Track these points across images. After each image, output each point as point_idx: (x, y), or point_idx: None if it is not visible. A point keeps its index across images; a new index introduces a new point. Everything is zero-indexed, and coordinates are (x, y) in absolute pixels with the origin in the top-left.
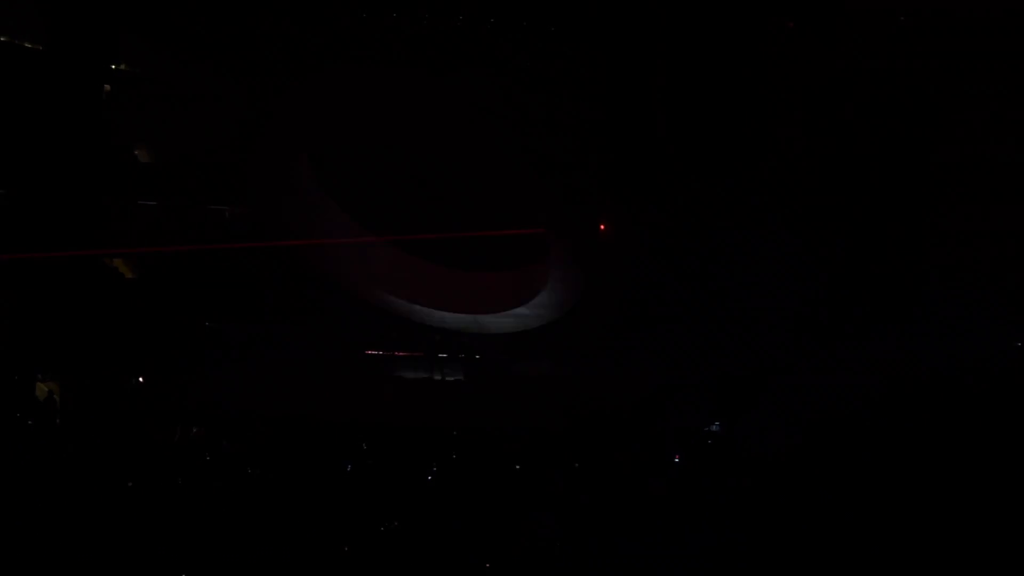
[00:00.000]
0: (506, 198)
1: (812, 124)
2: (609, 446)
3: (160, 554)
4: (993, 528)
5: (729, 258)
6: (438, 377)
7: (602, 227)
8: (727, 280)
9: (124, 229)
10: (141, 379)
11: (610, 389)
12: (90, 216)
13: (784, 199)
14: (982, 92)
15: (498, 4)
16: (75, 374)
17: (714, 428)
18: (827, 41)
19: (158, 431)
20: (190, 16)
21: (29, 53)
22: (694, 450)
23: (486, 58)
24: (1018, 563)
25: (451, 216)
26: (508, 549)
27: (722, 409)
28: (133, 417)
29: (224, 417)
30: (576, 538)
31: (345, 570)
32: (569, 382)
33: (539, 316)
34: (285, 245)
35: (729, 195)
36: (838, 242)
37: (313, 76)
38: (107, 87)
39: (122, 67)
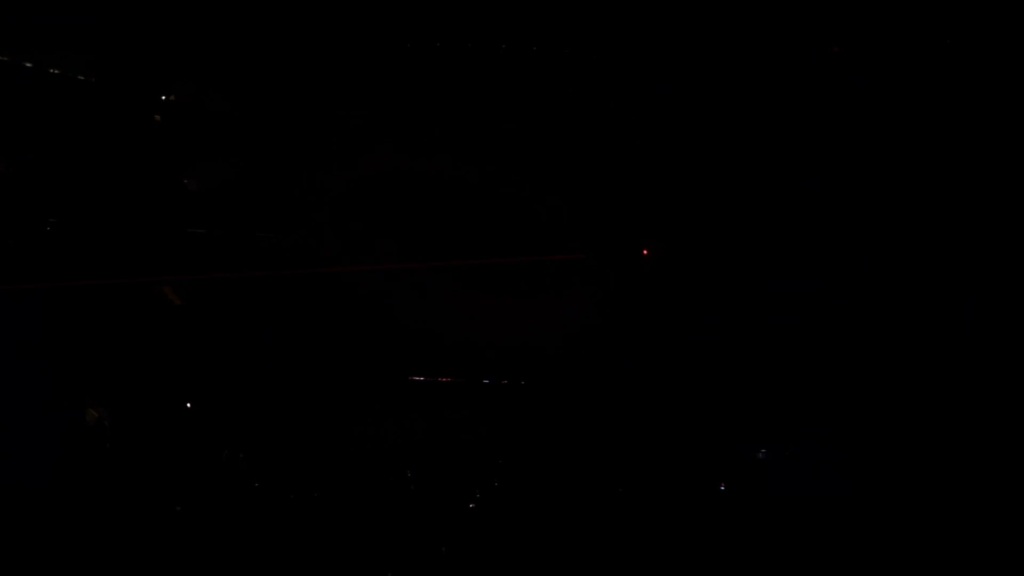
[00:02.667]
0: (547, 222)
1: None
2: (653, 469)
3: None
4: None
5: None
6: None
7: (645, 252)
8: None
9: (173, 257)
10: (189, 404)
11: (655, 410)
12: (140, 244)
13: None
14: None
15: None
16: (124, 400)
17: (760, 456)
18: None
19: (206, 456)
20: (238, 49)
21: (81, 86)
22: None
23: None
24: None
25: (493, 241)
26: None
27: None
28: (182, 442)
29: (269, 442)
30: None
31: None
32: (614, 404)
33: (581, 339)
34: (331, 272)
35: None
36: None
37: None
38: (157, 117)
39: (171, 98)
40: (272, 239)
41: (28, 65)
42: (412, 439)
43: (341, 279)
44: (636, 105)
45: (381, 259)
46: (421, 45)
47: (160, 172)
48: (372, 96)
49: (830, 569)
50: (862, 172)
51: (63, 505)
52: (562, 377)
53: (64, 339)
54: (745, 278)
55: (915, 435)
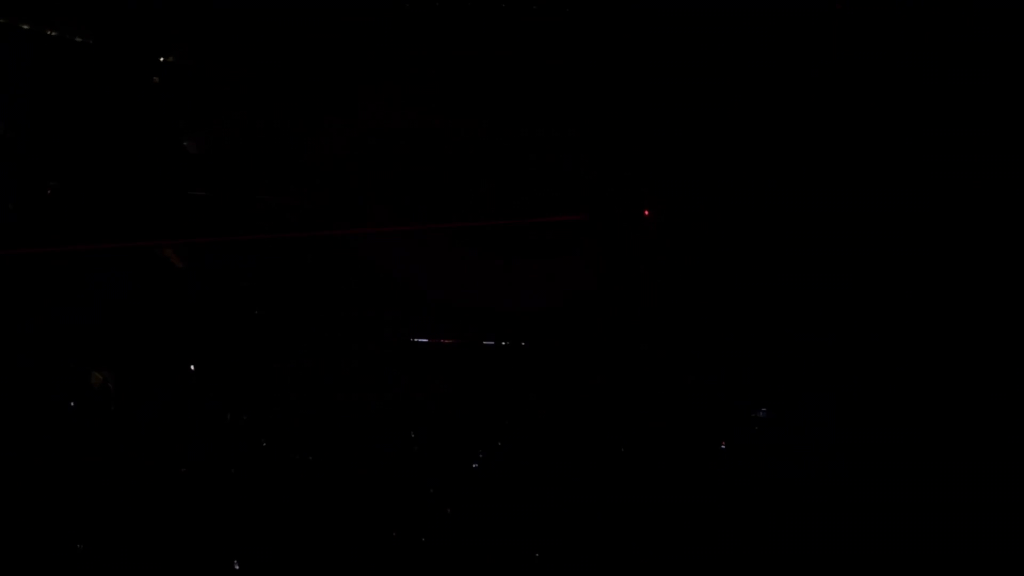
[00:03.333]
0: (547, 183)
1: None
2: (651, 431)
3: (210, 536)
4: None
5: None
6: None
7: (646, 212)
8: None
9: (174, 219)
10: (192, 367)
11: (653, 371)
12: (141, 207)
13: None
14: None
15: None
16: (128, 363)
17: (761, 414)
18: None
19: (210, 417)
20: (237, 9)
21: (79, 47)
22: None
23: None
24: None
25: (492, 202)
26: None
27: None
28: (185, 404)
29: (273, 404)
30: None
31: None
32: (612, 366)
33: (581, 302)
34: (334, 234)
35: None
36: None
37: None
38: (156, 79)
39: (170, 59)
40: (274, 201)
41: (25, 27)
42: (415, 401)
43: (342, 241)
44: (638, 59)
45: (381, 221)
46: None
47: (159, 134)
48: (371, 45)
49: (829, 526)
50: (869, 124)
51: (68, 469)
52: (563, 339)
53: (66, 303)
54: (749, 238)
55: (918, 392)
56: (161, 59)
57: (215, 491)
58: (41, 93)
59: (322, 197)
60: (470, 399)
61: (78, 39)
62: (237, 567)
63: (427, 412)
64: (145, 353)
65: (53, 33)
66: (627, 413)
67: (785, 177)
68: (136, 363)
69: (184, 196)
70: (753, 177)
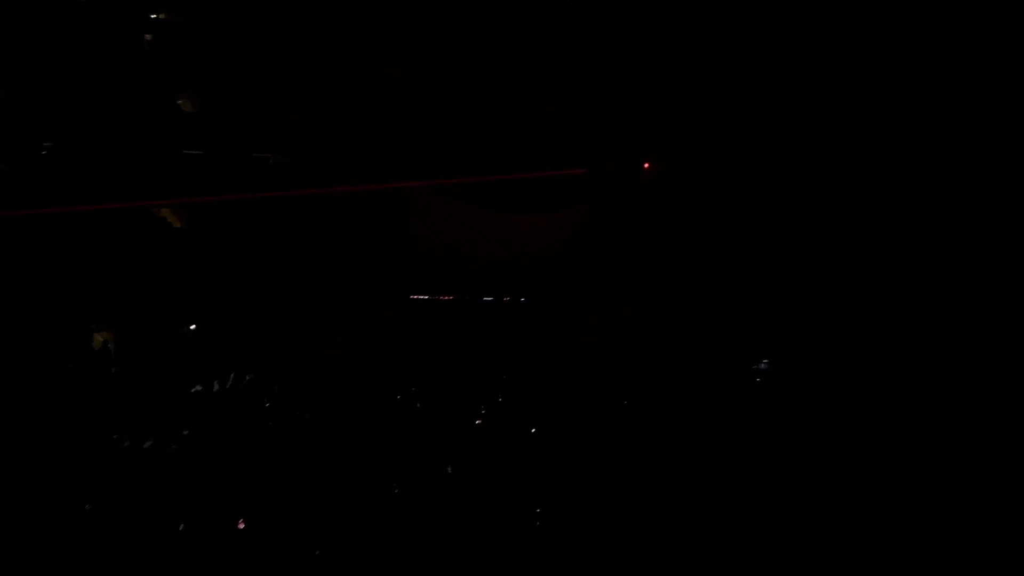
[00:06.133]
0: (547, 138)
1: None
2: (655, 388)
3: (215, 501)
4: None
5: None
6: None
7: (646, 165)
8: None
9: (170, 179)
10: (192, 327)
11: (657, 329)
12: (136, 167)
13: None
14: None
15: None
16: (129, 323)
17: (762, 366)
18: None
19: (210, 378)
20: None
21: (71, 5)
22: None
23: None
24: None
25: (492, 158)
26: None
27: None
28: (186, 365)
29: (273, 363)
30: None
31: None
32: (614, 323)
33: (581, 257)
34: (330, 192)
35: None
36: None
37: (354, 21)
38: (147, 36)
39: (162, 16)
40: (269, 159)
41: None
42: (415, 356)
43: (340, 199)
44: (638, 21)
45: (381, 178)
46: None
47: (153, 93)
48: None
49: (826, 469)
50: (861, 91)
51: (72, 432)
52: (564, 293)
53: (66, 265)
54: (746, 194)
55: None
56: (153, 16)
57: (220, 449)
58: (33, 53)
59: (320, 154)
60: (469, 354)
61: None
62: (241, 527)
63: (428, 373)
64: (145, 314)
65: None
66: (629, 362)
67: (785, 136)
68: (136, 324)
69: (180, 155)
70: (750, 133)
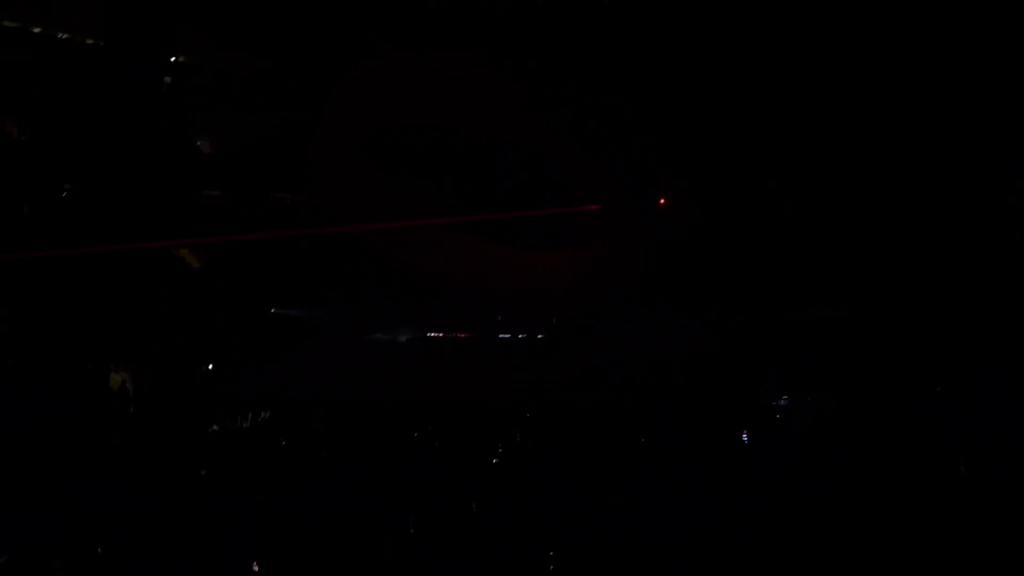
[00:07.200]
0: (563, 176)
1: None
2: (674, 424)
3: (232, 536)
4: None
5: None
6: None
7: (662, 201)
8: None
9: (189, 219)
10: (211, 366)
11: (674, 365)
12: (156, 208)
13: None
14: None
15: None
16: (147, 363)
17: (782, 402)
18: None
19: (228, 416)
20: (245, 6)
21: (91, 49)
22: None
23: (539, 39)
24: None
25: (509, 196)
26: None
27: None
28: (204, 403)
29: (291, 400)
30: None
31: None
32: (629, 359)
33: (599, 292)
34: (346, 230)
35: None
36: None
37: (369, 61)
38: (167, 79)
39: (181, 59)
40: (288, 199)
41: (36, 30)
42: (432, 394)
43: (359, 237)
44: (649, 53)
45: (398, 215)
46: None
47: (173, 135)
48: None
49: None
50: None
51: (92, 467)
52: (579, 330)
53: (84, 305)
54: (761, 224)
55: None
56: (172, 59)
57: (231, 488)
58: (54, 95)
59: (336, 193)
60: (486, 392)
61: (89, 41)
62: (256, 569)
63: (443, 407)
64: (163, 353)
65: (64, 36)
66: (647, 400)
67: (801, 168)
68: (154, 364)
69: (199, 196)
70: (768, 166)
